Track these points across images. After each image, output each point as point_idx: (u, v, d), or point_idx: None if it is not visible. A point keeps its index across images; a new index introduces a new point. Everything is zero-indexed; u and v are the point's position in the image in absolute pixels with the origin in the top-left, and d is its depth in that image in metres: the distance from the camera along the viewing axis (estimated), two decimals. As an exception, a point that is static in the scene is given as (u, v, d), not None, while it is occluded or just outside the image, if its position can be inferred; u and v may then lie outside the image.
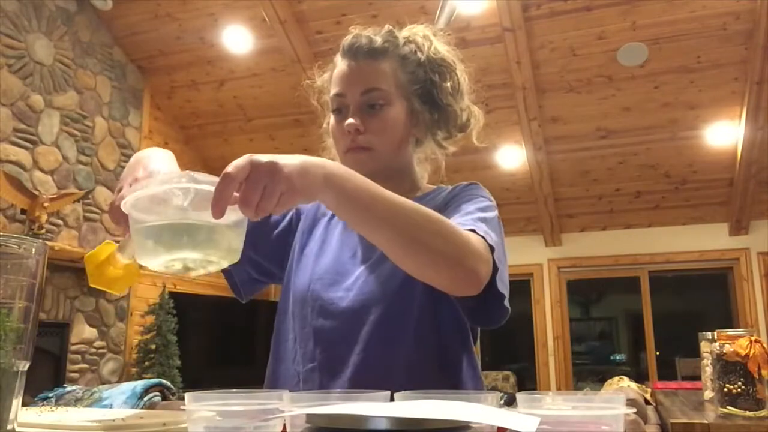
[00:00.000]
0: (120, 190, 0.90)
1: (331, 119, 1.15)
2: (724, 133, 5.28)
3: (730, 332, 1.96)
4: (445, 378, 1.06)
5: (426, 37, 1.17)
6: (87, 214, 4.80)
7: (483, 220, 1.00)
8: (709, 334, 2.22)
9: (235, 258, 0.78)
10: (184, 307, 5.28)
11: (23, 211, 4.22)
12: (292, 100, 5.48)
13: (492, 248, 0.93)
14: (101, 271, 0.96)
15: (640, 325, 6.43)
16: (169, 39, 5.17)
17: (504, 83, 5.10)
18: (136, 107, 5.43)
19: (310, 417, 0.57)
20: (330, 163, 0.82)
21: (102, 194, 4.97)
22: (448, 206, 1.09)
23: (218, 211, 0.71)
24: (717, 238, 6.12)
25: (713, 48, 4.70)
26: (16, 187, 4.15)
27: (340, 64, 1.14)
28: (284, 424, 0.69)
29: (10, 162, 4.20)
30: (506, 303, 0.97)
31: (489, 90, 5.20)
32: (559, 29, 4.72)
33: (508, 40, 4.75)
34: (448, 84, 1.14)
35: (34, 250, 0.70)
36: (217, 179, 0.72)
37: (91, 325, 4.78)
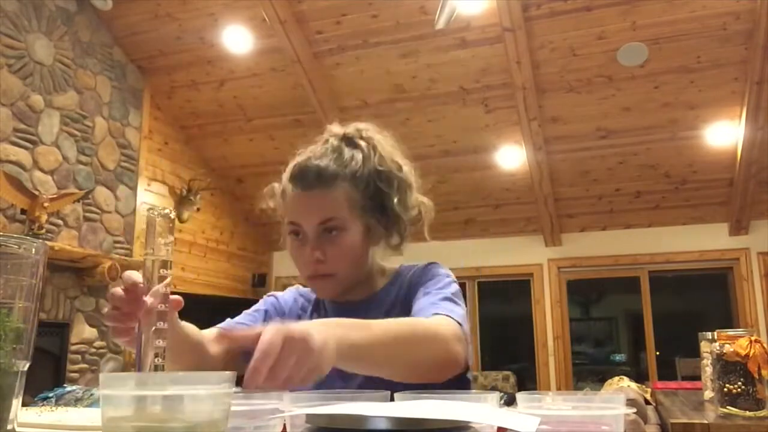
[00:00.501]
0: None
1: (289, 242, 1.17)
2: (724, 133, 5.28)
3: (730, 332, 1.96)
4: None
5: (369, 142, 1.18)
6: (87, 214, 4.80)
7: (446, 299, 1.09)
8: (709, 334, 2.21)
9: None
10: (184, 307, 5.26)
11: (23, 211, 4.22)
12: (292, 100, 5.48)
13: (459, 323, 1.03)
14: None
15: (640, 325, 6.43)
16: (169, 39, 5.17)
17: (504, 83, 5.10)
18: (136, 107, 5.43)
19: (310, 417, 0.57)
20: (336, 326, 0.84)
21: (102, 194, 4.97)
22: (411, 289, 1.17)
23: (254, 383, 0.72)
24: (717, 238, 6.12)
25: (713, 48, 4.70)
26: (16, 187, 4.15)
27: (291, 192, 1.14)
28: (284, 424, 0.69)
29: (10, 162, 4.20)
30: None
31: (489, 90, 5.20)
32: (559, 29, 4.72)
33: (508, 40, 4.75)
34: (397, 192, 1.16)
35: (34, 250, 0.70)
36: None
37: (91, 325, 4.78)
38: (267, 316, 1.28)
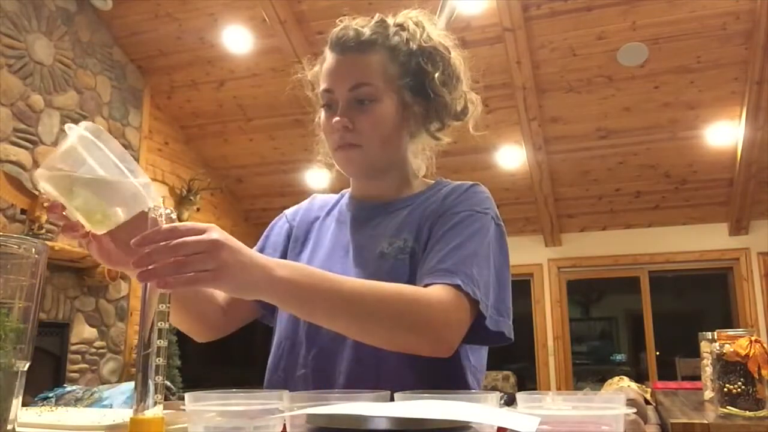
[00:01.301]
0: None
1: (321, 114, 1.13)
2: (724, 133, 5.28)
3: (730, 332, 1.96)
4: (441, 376, 1.03)
5: (419, 24, 1.13)
6: (87, 214, 4.80)
7: (465, 258, 0.97)
8: (709, 334, 2.21)
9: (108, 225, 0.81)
10: (184, 307, 5.28)
11: (23, 211, 4.22)
12: (292, 100, 5.48)
13: (469, 293, 0.93)
14: None
15: (640, 325, 6.43)
16: (169, 39, 5.17)
17: (504, 83, 5.10)
18: (136, 107, 5.43)
19: (310, 417, 0.57)
20: (277, 266, 0.81)
21: (102, 194, 4.96)
22: (442, 209, 1.08)
23: (138, 244, 0.72)
24: (717, 238, 6.12)
25: (713, 48, 4.70)
26: (16, 187, 4.15)
27: (329, 58, 1.12)
28: (284, 424, 0.69)
29: (10, 162, 4.20)
30: (507, 333, 1.00)
31: (489, 90, 5.19)
32: (559, 29, 4.72)
33: (508, 40, 4.75)
34: (441, 73, 1.10)
35: (34, 250, 0.70)
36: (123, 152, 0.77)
37: (91, 325, 4.78)
38: (271, 233, 1.25)
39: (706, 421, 1.87)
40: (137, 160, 5.39)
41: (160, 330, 0.73)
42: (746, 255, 6.07)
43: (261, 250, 1.23)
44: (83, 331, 4.72)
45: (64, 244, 4.45)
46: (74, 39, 4.81)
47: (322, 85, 1.11)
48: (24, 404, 0.73)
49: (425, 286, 0.94)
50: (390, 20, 1.13)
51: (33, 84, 4.41)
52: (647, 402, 3.23)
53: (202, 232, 0.74)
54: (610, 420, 0.62)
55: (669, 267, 6.36)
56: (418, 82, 1.10)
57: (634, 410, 0.69)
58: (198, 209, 5.98)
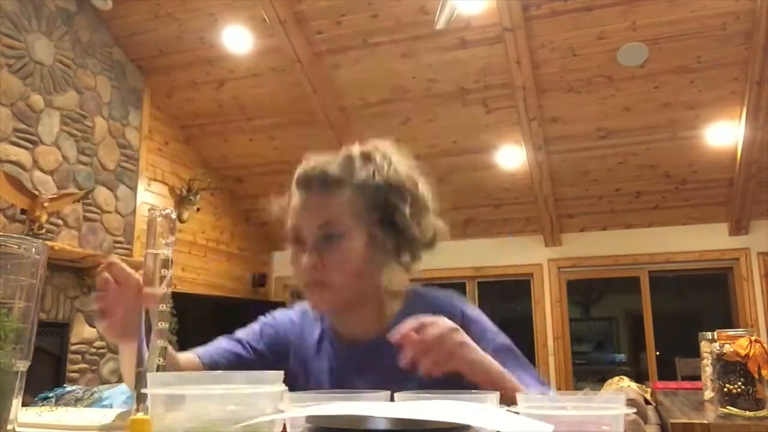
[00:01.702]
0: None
1: (289, 250, 1.13)
2: (724, 133, 5.27)
3: (730, 332, 1.96)
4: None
5: (385, 156, 1.14)
6: (87, 214, 4.80)
7: (523, 367, 1.10)
8: (709, 334, 2.21)
9: None
10: (184, 307, 5.28)
11: (23, 211, 4.22)
12: (292, 100, 5.48)
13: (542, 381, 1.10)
14: None
15: (640, 325, 6.43)
16: (169, 39, 5.17)
17: (504, 83, 5.09)
18: (136, 107, 5.43)
19: (310, 417, 0.57)
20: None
21: (102, 194, 4.96)
22: None
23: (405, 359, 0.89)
24: (717, 238, 6.12)
25: (713, 48, 4.70)
26: (16, 187, 4.15)
27: (295, 195, 1.12)
28: (284, 424, 0.69)
29: (10, 162, 4.20)
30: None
31: (489, 90, 5.20)
32: (559, 29, 4.72)
33: (508, 40, 4.75)
34: (410, 206, 1.11)
35: (34, 250, 0.70)
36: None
37: (91, 325, 4.78)
38: (262, 335, 1.23)
39: (706, 421, 1.87)
40: (137, 160, 5.39)
41: (160, 330, 0.73)
42: (746, 255, 6.07)
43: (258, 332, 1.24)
44: (83, 331, 4.72)
45: (64, 244, 4.45)
46: (74, 39, 4.81)
47: (290, 222, 1.12)
48: (24, 404, 0.73)
49: None
50: (357, 151, 1.14)
51: (33, 84, 4.41)
52: (647, 402, 3.23)
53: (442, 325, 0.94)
54: (610, 420, 0.62)
55: (669, 267, 6.36)
56: (387, 216, 1.10)
57: (634, 410, 0.69)
58: (198, 209, 5.98)
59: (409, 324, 0.90)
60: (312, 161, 1.13)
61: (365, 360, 1.14)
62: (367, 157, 1.13)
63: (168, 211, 0.78)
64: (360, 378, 1.12)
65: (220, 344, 1.24)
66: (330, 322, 1.21)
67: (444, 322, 0.93)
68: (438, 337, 0.90)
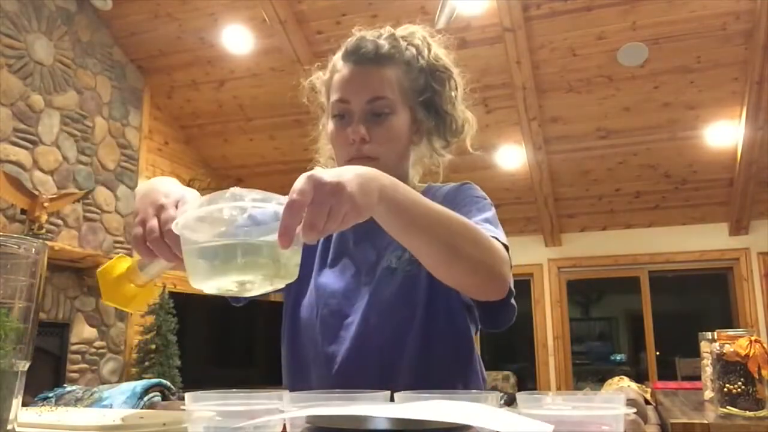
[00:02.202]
0: (143, 221, 0.80)
1: (331, 124, 1.12)
2: (724, 133, 5.28)
3: (730, 332, 1.96)
4: (460, 374, 1.09)
5: (424, 40, 1.15)
6: (87, 214, 4.80)
7: (489, 221, 1.02)
8: (709, 334, 2.21)
9: (294, 276, 0.74)
10: (184, 307, 5.28)
11: (23, 211, 4.22)
12: (292, 100, 5.47)
13: (506, 247, 0.96)
14: (116, 288, 0.90)
15: (640, 325, 6.43)
16: (169, 39, 5.17)
17: (504, 83, 5.10)
18: (136, 107, 5.43)
19: (310, 417, 0.57)
20: (380, 175, 0.80)
21: (102, 194, 4.97)
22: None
23: (287, 241, 0.68)
24: (717, 238, 6.12)
25: (713, 48, 4.70)
26: (16, 187, 4.15)
27: (343, 68, 1.10)
28: (284, 424, 0.69)
29: (10, 162, 4.20)
30: (513, 301, 0.99)
31: (489, 90, 5.20)
32: (559, 29, 4.72)
33: (508, 40, 4.75)
34: (448, 92, 1.13)
35: (34, 250, 0.70)
36: (263, 194, 0.69)
37: (91, 325, 4.78)
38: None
39: (706, 421, 1.87)
40: (137, 160, 5.40)
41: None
42: (746, 255, 6.07)
43: None
44: (83, 331, 4.72)
45: (64, 244, 4.45)
46: (74, 39, 4.81)
47: (336, 95, 1.10)
48: (24, 404, 0.73)
49: None
50: (398, 32, 1.14)
51: (33, 84, 4.41)
52: (647, 402, 3.23)
53: (314, 188, 0.71)
54: (610, 420, 0.62)
55: (669, 267, 6.36)
56: (428, 99, 1.12)
57: (634, 410, 0.69)
58: (198, 209, 5.97)
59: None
60: (360, 34, 1.12)
61: (371, 227, 1.13)
62: (409, 41, 1.13)
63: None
64: (364, 240, 1.13)
65: None
66: None
67: (313, 182, 0.71)
68: (307, 199, 0.71)
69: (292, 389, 1.10)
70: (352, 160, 1.08)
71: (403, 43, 1.12)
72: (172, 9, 4.92)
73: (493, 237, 0.94)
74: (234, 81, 5.46)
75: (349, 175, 0.74)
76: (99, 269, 0.91)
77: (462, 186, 1.16)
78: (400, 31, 1.14)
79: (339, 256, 1.15)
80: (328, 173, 0.73)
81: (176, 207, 0.79)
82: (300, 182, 0.70)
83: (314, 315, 1.11)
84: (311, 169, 0.96)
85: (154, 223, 0.78)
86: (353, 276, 1.11)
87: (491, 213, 1.08)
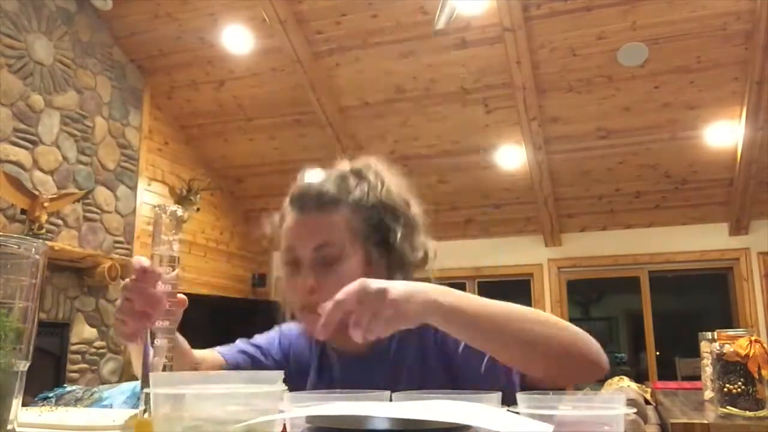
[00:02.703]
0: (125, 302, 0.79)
1: (282, 272, 1.11)
2: (724, 133, 5.27)
3: (730, 332, 1.96)
4: None
5: (377, 175, 1.12)
6: (87, 214, 4.80)
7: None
8: (709, 334, 2.21)
9: None
10: (185, 307, 5.28)
11: (23, 211, 4.22)
12: (292, 100, 5.48)
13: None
14: None
15: (640, 325, 6.43)
16: (169, 39, 5.17)
17: (504, 83, 5.09)
18: (136, 107, 5.43)
19: (310, 417, 0.57)
20: (430, 288, 0.85)
21: (102, 194, 4.96)
22: (440, 352, 1.07)
23: (325, 332, 0.77)
24: (717, 238, 6.12)
25: (713, 48, 4.70)
26: (16, 187, 4.15)
27: (289, 216, 1.09)
28: (284, 424, 0.69)
29: (10, 162, 4.20)
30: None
31: (489, 90, 5.20)
32: (559, 29, 4.72)
33: (508, 40, 4.75)
34: (402, 228, 1.10)
35: (34, 250, 0.70)
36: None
37: (91, 325, 4.78)
38: (280, 344, 1.23)
39: (706, 421, 1.87)
40: (137, 160, 5.39)
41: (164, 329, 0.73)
42: (746, 255, 6.07)
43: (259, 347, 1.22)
44: (83, 331, 4.71)
45: (64, 244, 4.45)
46: (74, 39, 4.81)
47: (284, 243, 1.09)
48: (24, 404, 0.73)
49: None
50: (348, 168, 1.12)
51: (33, 84, 4.41)
52: (647, 402, 3.23)
53: (361, 292, 0.80)
54: (610, 420, 0.62)
55: (669, 267, 6.36)
56: (381, 236, 1.09)
57: (635, 410, 0.69)
58: (198, 209, 5.98)
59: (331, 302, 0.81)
60: (305, 179, 1.11)
61: (369, 371, 1.12)
62: (359, 176, 1.11)
63: (174, 208, 0.78)
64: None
65: (241, 347, 1.23)
66: (327, 342, 1.20)
67: (360, 285, 0.80)
68: (354, 300, 0.78)
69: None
70: (302, 310, 1.07)
71: (353, 182, 1.10)
72: (172, 9, 4.92)
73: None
74: (234, 81, 5.46)
75: (397, 284, 0.81)
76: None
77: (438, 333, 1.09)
78: (356, 164, 1.13)
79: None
80: (377, 281, 0.80)
81: None
82: (349, 286, 0.79)
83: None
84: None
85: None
86: None
87: None
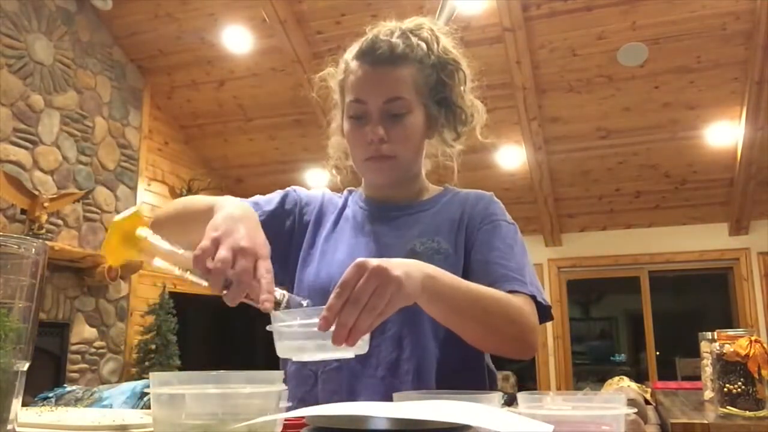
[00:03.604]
0: (230, 248, 0.81)
1: (347, 125, 1.13)
2: (724, 133, 5.28)
3: (730, 332, 1.96)
4: (470, 378, 1.09)
5: (432, 33, 1.15)
6: (87, 214, 4.80)
7: (524, 267, 1.07)
8: (709, 334, 2.21)
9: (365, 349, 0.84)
10: (184, 307, 5.28)
11: (23, 211, 4.22)
12: (292, 100, 5.48)
13: (541, 304, 1.03)
14: (119, 244, 0.88)
15: (640, 325, 6.43)
16: (169, 39, 5.17)
17: (504, 83, 5.09)
18: (136, 107, 5.43)
19: (310, 417, 0.57)
20: (423, 265, 0.86)
21: (102, 194, 4.97)
22: (467, 222, 1.12)
23: (326, 323, 0.75)
24: (717, 238, 6.12)
25: (713, 48, 4.70)
26: (16, 187, 4.15)
27: (358, 69, 1.11)
28: (284, 424, 0.69)
29: (10, 162, 4.20)
30: (552, 315, 1.09)
31: (489, 90, 5.16)
32: (559, 29, 4.72)
33: (508, 40, 4.75)
34: (458, 84, 1.14)
35: (34, 250, 0.70)
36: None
37: (91, 325, 4.78)
38: (286, 200, 1.22)
39: (706, 421, 1.87)
40: (137, 160, 5.40)
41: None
42: (746, 255, 6.07)
43: (257, 204, 1.19)
44: (83, 331, 4.72)
45: (64, 244, 4.45)
46: (74, 39, 4.81)
47: (351, 96, 1.11)
48: (24, 404, 0.73)
49: (507, 292, 1.01)
50: (407, 25, 1.14)
51: (33, 84, 4.41)
52: (647, 402, 3.23)
53: (360, 272, 0.78)
54: (611, 420, 0.62)
55: (669, 267, 6.36)
56: (440, 93, 1.13)
57: (635, 410, 0.69)
58: (198, 209, 5.97)
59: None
60: (373, 33, 1.13)
61: (394, 216, 1.16)
62: (419, 35, 1.13)
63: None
64: (382, 225, 1.15)
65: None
66: (363, 192, 1.23)
67: (358, 265, 0.78)
68: (357, 298, 0.76)
69: (301, 367, 1.09)
70: (369, 159, 1.11)
71: (414, 40, 1.12)
72: (172, 9, 4.92)
73: (527, 295, 1.01)
74: (234, 81, 5.46)
75: (395, 262, 0.80)
76: (116, 219, 0.89)
77: (492, 200, 1.18)
78: (408, 24, 1.15)
79: (355, 235, 1.16)
80: (374, 260, 0.78)
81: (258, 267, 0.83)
82: (347, 270, 0.77)
83: (327, 284, 1.08)
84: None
85: (246, 265, 0.81)
86: (367, 253, 1.10)
87: (525, 259, 1.10)
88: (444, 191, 1.22)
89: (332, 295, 0.75)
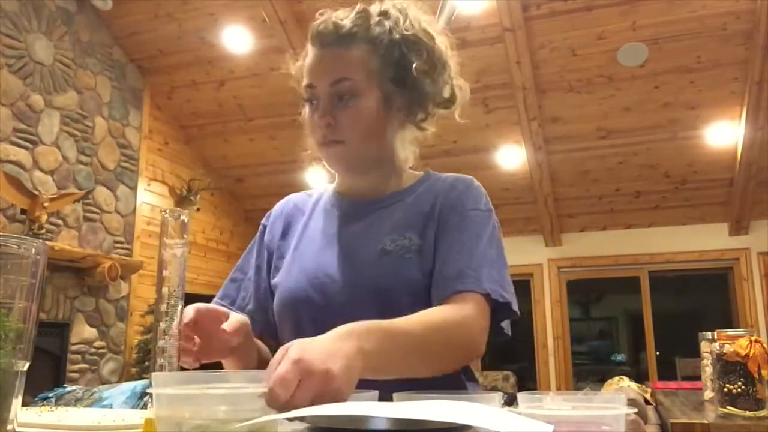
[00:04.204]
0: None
1: (304, 111, 1.11)
2: (724, 133, 5.28)
3: (730, 332, 1.96)
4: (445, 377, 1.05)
5: (402, 11, 1.10)
6: (87, 214, 4.80)
7: (486, 261, 1.02)
8: (709, 334, 2.22)
9: None
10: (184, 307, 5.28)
11: (23, 211, 4.22)
12: (292, 100, 5.47)
13: (488, 294, 0.98)
14: None
15: (640, 325, 6.43)
16: (169, 39, 5.17)
17: (504, 83, 5.09)
18: (136, 107, 5.43)
19: (309, 417, 0.57)
20: (361, 346, 0.74)
21: (102, 194, 4.96)
22: (440, 210, 1.08)
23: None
24: (717, 238, 6.12)
25: (713, 48, 4.70)
26: (16, 187, 4.15)
27: (310, 52, 1.10)
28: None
29: (10, 162, 4.20)
30: (514, 306, 1.04)
31: (489, 90, 5.20)
32: (559, 29, 4.72)
33: (508, 40, 4.75)
34: (423, 61, 1.07)
35: (34, 250, 0.70)
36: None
37: (91, 325, 4.78)
38: (261, 247, 1.21)
39: (706, 421, 1.87)
40: (137, 160, 5.39)
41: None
42: (746, 255, 6.07)
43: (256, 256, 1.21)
44: (83, 331, 4.72)
45: (64, 244, 4.45)
46: (74, 39, 4.81)
47: (305, 81, 1.09)
48: (24, 404, 0.73)
49: (457, 292, 0.98)
50: (374, 8, 1.10)
51: (33, 84, 4.41)
52: (647, 402, 3.23)
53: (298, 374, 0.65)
54: (611, 420, 0.62)
55: (669, 267, 6.36)
56: (401, 73, 1.07)
57: (635, 410, 0.69)
58: (198, 209, 5.98)
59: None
60: (325, 16, 1.10)
61: (365, 212, 1.13)
62: (384, 14, 1.09)
63: (177, 212, 0.78)
64: (352, 224, 1.12)
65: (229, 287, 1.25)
66: (336, 188, 1.20)
67: (299, 368, 0.65)
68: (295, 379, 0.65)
69: None
70: (321, 146, 1.08)
71: (374, 19, 1.08)
72: (172, 9, 4.92)
73: (475, 292, 0.97)
74: (234, 81, 5.46)
75: (337, 361, 0.68)
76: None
77: (469, 187, 1.14)
78: (383, 5, 1.10)
79: (323, 241, 1.13)
80: (314, 353, 0.67)
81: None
82: (285, 366, 0.64)
83: (295, 296, 1.08)
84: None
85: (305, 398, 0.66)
86: (335, 253, 1.08)
87: (492, 250, 1.05)
88: (423, 178, 1.17)
89: (269, 393, 0.63)
